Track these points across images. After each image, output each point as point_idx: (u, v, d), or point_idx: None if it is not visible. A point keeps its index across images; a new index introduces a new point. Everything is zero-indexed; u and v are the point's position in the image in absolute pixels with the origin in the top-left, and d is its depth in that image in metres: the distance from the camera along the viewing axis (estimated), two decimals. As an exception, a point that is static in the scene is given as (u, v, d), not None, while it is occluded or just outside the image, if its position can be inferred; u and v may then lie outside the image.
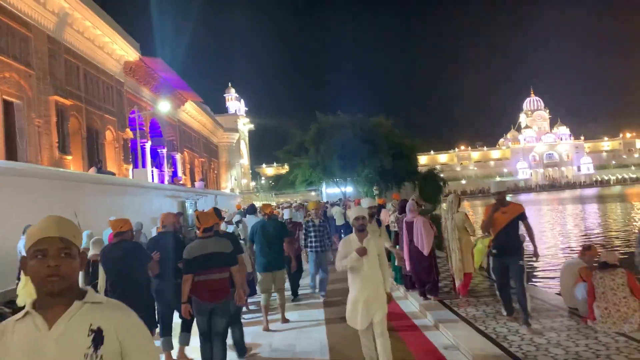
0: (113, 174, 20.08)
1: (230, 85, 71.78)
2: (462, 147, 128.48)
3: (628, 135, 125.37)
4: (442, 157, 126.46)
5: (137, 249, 5.33)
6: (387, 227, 9.41)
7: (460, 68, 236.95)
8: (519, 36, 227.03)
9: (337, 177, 54.14)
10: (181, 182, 30.21)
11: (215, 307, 4.78)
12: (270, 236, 7.18)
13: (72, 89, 19.86)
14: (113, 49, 23.50)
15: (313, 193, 50.89)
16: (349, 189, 54.37)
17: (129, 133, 24.86)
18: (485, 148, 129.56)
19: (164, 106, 25.23)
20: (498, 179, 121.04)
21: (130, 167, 24.71)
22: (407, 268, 8.07)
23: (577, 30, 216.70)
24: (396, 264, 8.79)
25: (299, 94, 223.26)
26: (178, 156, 34.13)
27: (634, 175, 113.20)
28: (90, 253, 6.30)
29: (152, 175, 26.81)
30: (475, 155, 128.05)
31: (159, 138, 31.65)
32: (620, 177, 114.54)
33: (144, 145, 28.30)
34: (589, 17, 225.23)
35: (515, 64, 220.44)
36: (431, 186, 48.74)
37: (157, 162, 31.50)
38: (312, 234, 8.99)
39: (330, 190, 54.28)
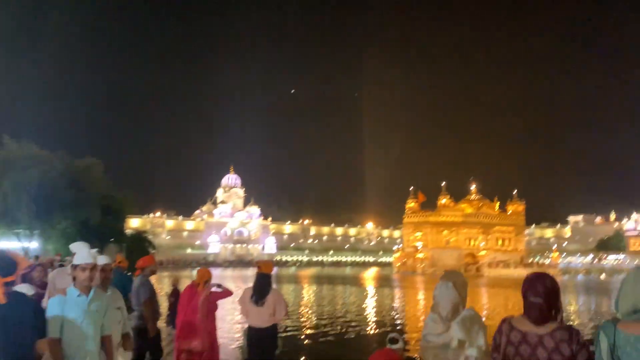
0: None
1: None
2: (158, 214, 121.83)
3: (306, 221, 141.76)
4: (135, 222, 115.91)
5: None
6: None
7: (163, 132, 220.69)
8: (223, 116, 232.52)
9: (23, 227, 40.78)
10: None
11: None
12: None
13: None
14: None
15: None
16: (34, 245, 41.36)
17: None
18: (180, 217, 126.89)
19: None
20: (189, 250, 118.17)
21: None
22: None
23: (273, 122, 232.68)
24: None
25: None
26: None
27: (307, 258, 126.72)
28: None
29: None
30: (170, 223, 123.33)
31: None
32: (297, 259, 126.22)
33: None
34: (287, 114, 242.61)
35: (219, 141, 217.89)
36: (140, 251, 41.71)
37: None
38: None
39: (5, 244, 39.40)
